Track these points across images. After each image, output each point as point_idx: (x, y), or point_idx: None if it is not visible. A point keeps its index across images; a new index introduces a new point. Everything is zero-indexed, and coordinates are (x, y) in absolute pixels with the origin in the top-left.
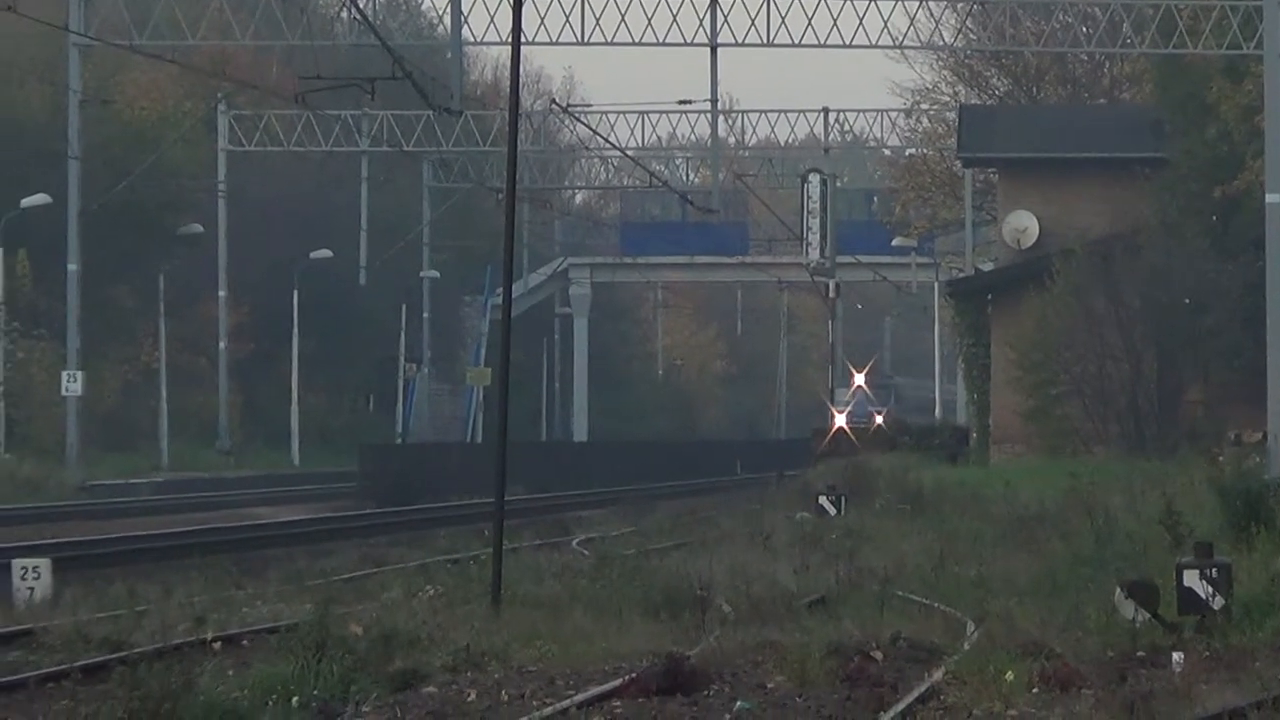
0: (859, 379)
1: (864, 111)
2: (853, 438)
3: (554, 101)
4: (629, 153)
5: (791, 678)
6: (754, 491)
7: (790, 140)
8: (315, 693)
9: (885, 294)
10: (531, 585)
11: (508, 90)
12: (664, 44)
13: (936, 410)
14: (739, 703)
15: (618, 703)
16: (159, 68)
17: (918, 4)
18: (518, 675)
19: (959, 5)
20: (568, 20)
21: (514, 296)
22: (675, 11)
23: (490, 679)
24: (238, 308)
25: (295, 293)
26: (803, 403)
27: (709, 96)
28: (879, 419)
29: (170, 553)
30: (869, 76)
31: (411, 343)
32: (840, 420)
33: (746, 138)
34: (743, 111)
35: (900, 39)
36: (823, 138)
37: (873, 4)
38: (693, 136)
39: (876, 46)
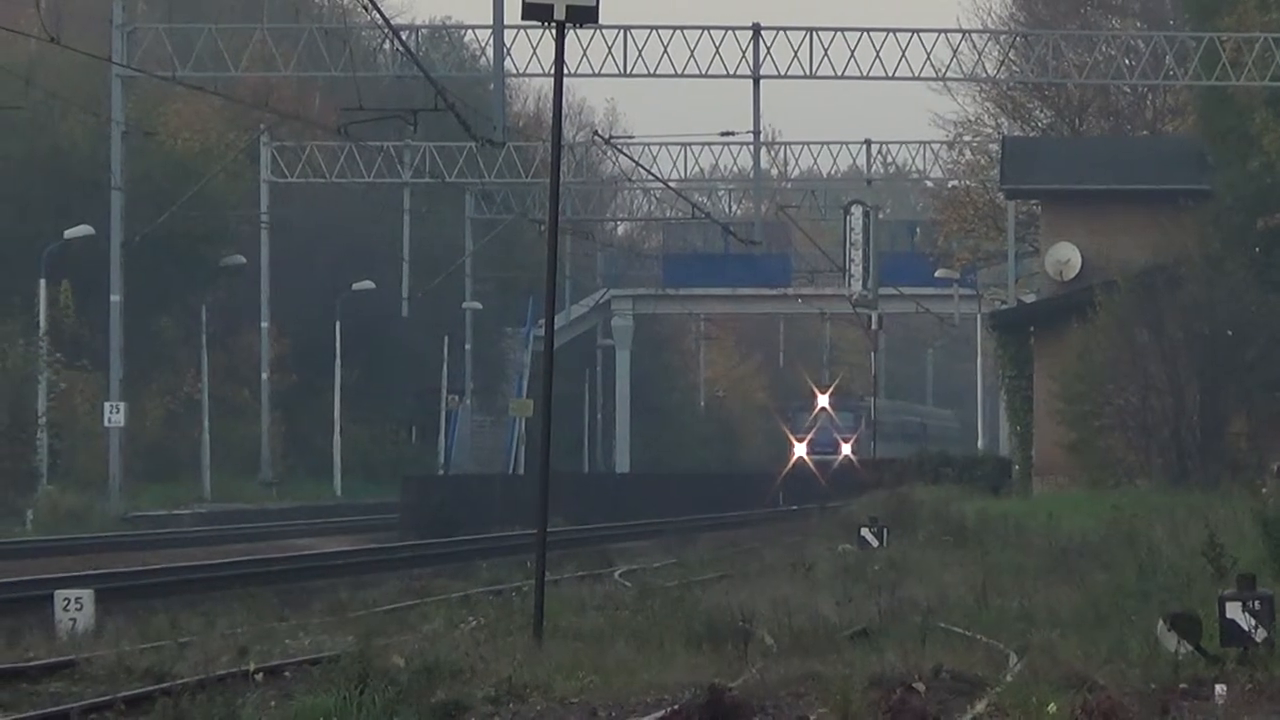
0: (822, 400)
1: (906, 143)
2: (814, 470)
3: (596, 133)
4: (671, 184)
5: (834, 710)
6: (796, 523)
7: (833, 172)
8: None
9: (928, 326)
10: (574, 616)
11: (550, 122)
12: (707, 75)
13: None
14: None
15: None
16: (202, 99)
17: (961, 36)
18: (560, 707)
19: (1002, 37)
20: (610, 52)
21: (556, 328)
22: (718, 43)
23: (532, 710)
24: (280, 339)
25: (338, 324)
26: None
27: (752, 128)
28: (846, 448)
29: (213, 584)
30: (911, 108)
31: (454, 374)
32: (799, 450)
33: (789, 169)
34: (785, 143)
35: (943, 71)
36: (865, 169)
37: (916, 36)
38: (735, 168)
39: (919, 78)
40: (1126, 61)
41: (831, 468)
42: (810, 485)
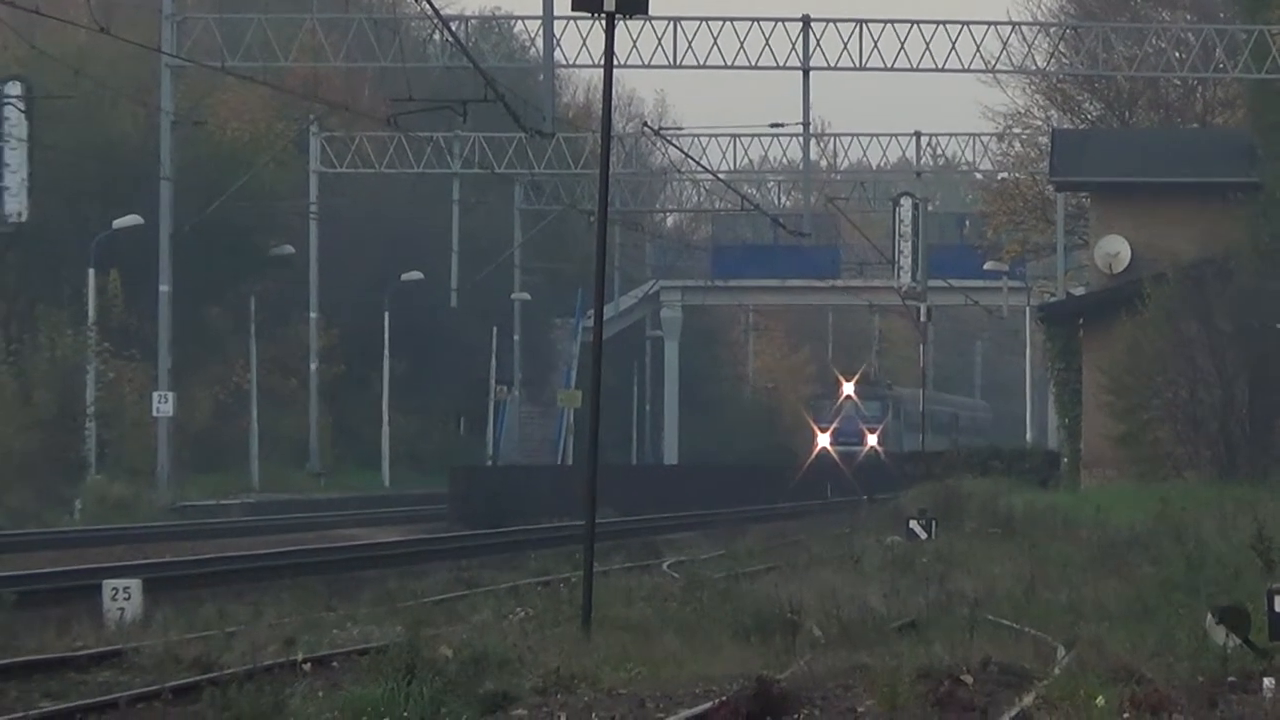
0: (848, 388)
1: (956, 135)
2: (839, 462)
3: (646, 124)
4: (721, 175)
5: (882, 702)
6: (844, 515)
7: (882, 164)
8: (405, 715)
9: (977, 318)
10: (622, 608)
11: (600, 113)
12: (756, 67)
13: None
14: None
15: None
16: (251, 89)
17: (1010, 28)
18: (608, 698)
19: (1052, 30)
20: (660, 43)
21: (605, 319)
22: (768, 35)
23: (580, 701)
24: (329, 329)
25: (386, 314)
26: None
27: (801, 120)
28: (871, 439)
29: (261, 574)
30: (961, 100)
31: (502, 365)
32: (823, 440)
33: (838, 161)
34: (835, 135)
35: (993, 63)
36: (914, 161)
37: (965, 28)
38: (784, 160)
39: (969, 71)
40: (1176, 54)
41: (856, 459)
42: (834, 479)
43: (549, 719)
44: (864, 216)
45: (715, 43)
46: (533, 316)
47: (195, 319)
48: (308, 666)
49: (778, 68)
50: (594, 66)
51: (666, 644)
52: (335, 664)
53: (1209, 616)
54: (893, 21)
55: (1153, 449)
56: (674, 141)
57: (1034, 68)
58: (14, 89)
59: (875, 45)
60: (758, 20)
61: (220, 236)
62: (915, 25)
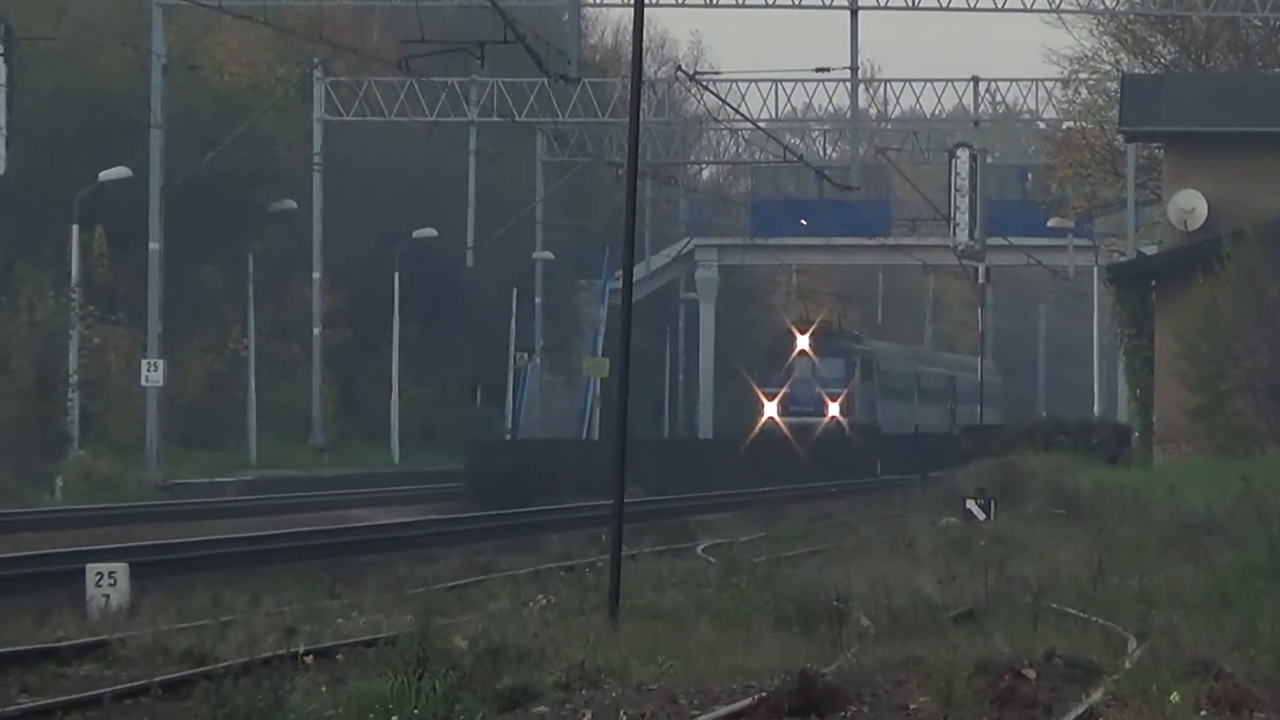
0: (803, 342)
1: (1017, 81)
2: (790, 437)
3: (679, 69)
4: (761, 124)
5: (936, 698)
6: (895, 494)
7: (937, 112)
8: (416, 712)
9: (1039, 279)
10: (652, 595)
11: (629, 56)
12: (800, 6)
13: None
14: None
15: None
16: (250, 30)
17: None
18: (637, 694)
19: None
20: None
21: (635, 280)
22: None
23: (607, 698)
24: (334, 291)
25: (396, 275)
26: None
27: (848, 64)
28: (833, 407)
29: (259, 558)
30: (1023, 43)
31: (523, 330)
32: (770, 410)
33: (889, 109)
34: (885, 80)
35: (1057, 2)
36: (972, 109)
37: None
38: (830, 107)
39: (1031, 10)
40: None
41: (814, 434)
42: (915, 453)
43: (572, 716)
44: (916, 169)
45: None
46: (556, 277)
47: (188, 280)
48: (309, 659)
49: (823, 6)
50: (623, 5)
51: (701, 634)
52: (340, 656)
53: None
54: None
55: (1232, 422)
56: (710, 87)
57: (1102, 7)
58: None
59: None
60: None
61: (216, 190)
62: None
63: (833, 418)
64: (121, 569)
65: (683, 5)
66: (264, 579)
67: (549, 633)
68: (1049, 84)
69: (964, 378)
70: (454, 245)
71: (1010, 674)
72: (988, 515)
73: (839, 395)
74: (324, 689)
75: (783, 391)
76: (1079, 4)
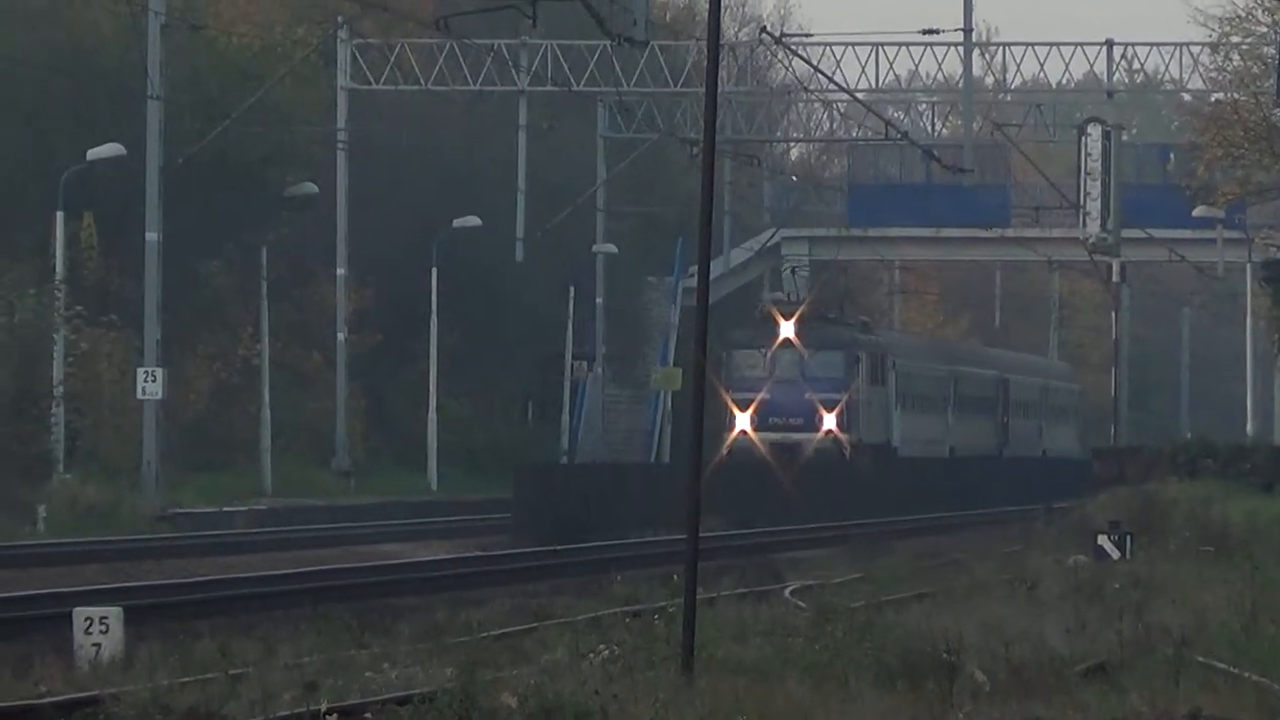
0: (786, 329)
1: (1158, 46)
2: (769, 459)
3: (764, 30)
4: (859, 96)
5: None
6: (1014, 528)
7: (1064, 82)
8: None
9: (1184, 277)
10: (733, 646)
11: (705, 15)
12: None
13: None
14: None
15: None
16: None
17: None
18: None
19: None
20: None
21: (713, 277)
22: None
23: None
24: (361, 289)
25: (434, 271)
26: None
27: (961, 25)
28: (829, 420)
29: (273, 601)
30: (1165, 2)
31: (581, 336)
32: (742, 421)
33: (1008, 78)
34: (1004, 44)
35: None
36: (1105, 78)
37: None
38: (940, 76)
39: None
40: None
41: (803, 455)
42: (1036, 479)
43: None
44: (1040, 149)
45: None
46: (620, 274)
47: (191, 276)
48: (333, 718)
49: None
50: None
51: (789, 691)
52: (368, 715)
53: None
54: None
55: None
56: (800, 52)
57: None
58: None
59: None
60: None
61: (224, 172)
62: None
63: (828, 433)
64: (114, 613)
65: None
66: (280, 625)
67: (612, 689)
68: (1195, 49)
69: (1020, 380)
70: (501, 236)
71: None
72: (1123, 553)
73: (836, 403)
74: None
75: (759, 397)
76: None
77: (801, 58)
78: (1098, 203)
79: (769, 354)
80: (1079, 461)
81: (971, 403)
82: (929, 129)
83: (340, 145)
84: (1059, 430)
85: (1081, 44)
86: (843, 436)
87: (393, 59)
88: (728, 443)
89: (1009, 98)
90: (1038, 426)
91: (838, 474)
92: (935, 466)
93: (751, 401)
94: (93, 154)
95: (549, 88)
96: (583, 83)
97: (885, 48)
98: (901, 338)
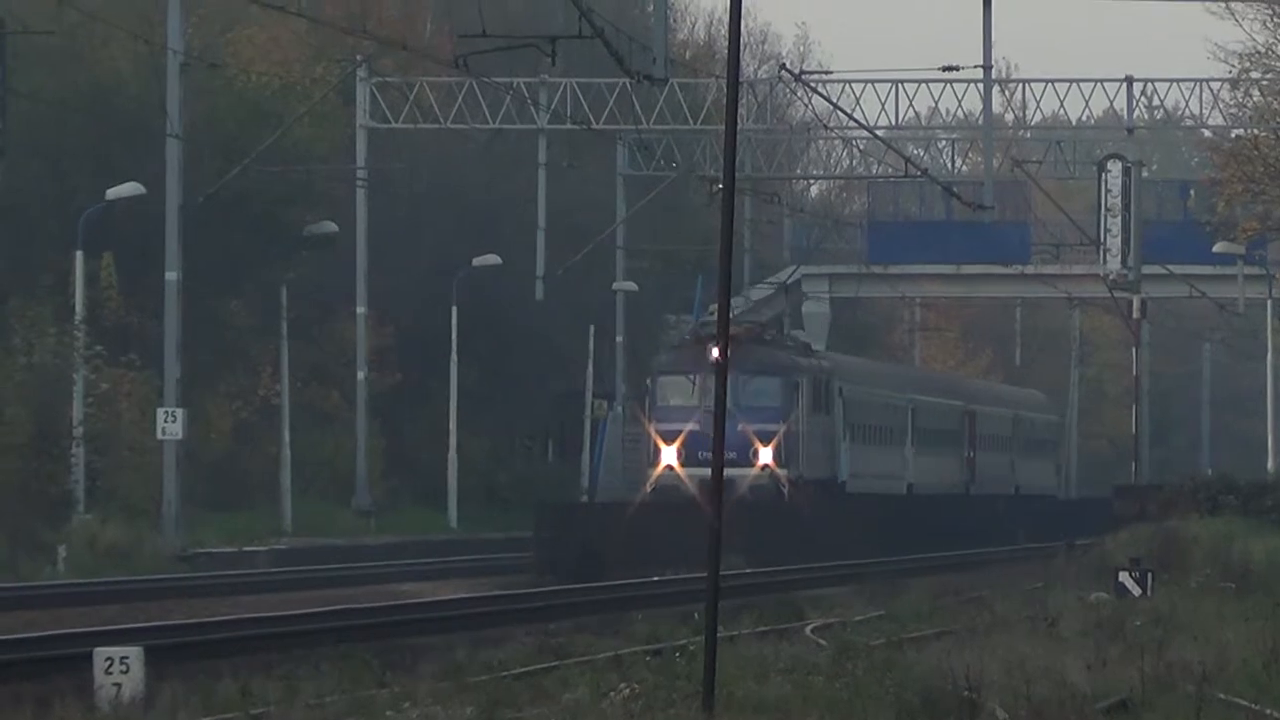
0: (716, 352)
1: (1178, 82)
2: (696, 497)
3: (784, 68)
4: (878, 133)
5: None
6: (1035, 565)
7: (1084, 118)
8: None
9: (1205, 314)
10: (754, 684)
11: (725, 53)
12: None
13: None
14: None
15: None
16: (282, 23)
17: None
18: None
19: None
20: None
21: (732, 314)
22: None
23: None
24: (381, 328)
25: (454, 309)
26: (1098, 449)
27: (981, 62)
28: (765, 454)
29: (294, 640)
30: (1185, 37)
31: (602, 374)
32: (668, 456)
33: (1028, 114)
34: (1024, 81)
35: None
36: (1126, 115)
37: None
38: (960, 112)
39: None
40: None
41: (735, 493)
42: (1058, 517)
43: None
44: (1060, 185)
45: None
46: (640, 312)
47: (211, 315)
48: None
49: None
50: None
51: None
52: None
53: None
54: None
55: None
56: (819, 90)
57: None
58: None
59: None
60: None
61: (243, 211)
62: None
63: (764, 468)
64: (135, 653)
65: None
66: (301, 665)
67: None
68: (1215, 85)
69: (986, 411)
70: (521, 274)
71: None
72: (1144, 589)
73: (773, 435)
74: None
75: (687, 428)
76: None
77: (821, 95)
78: (1118, 239)
79: (698, 380)
80: (1057, 500)
81: (932, 435)
82: (949, 166)
83: (360, 183)
84: (1034, 465)
85: (1101, 80)
86: (780, 472)
87: (412, 97)
88: (652, 479)
89: (1029, 134)
90: (1009, 461)
91: (773, 513)
92: (890, 504)
93: (679, 434)
94: (112, 193)
95: (569, 126)
96: (602, 121)
97: (905, 85)
98: (850, 362)
